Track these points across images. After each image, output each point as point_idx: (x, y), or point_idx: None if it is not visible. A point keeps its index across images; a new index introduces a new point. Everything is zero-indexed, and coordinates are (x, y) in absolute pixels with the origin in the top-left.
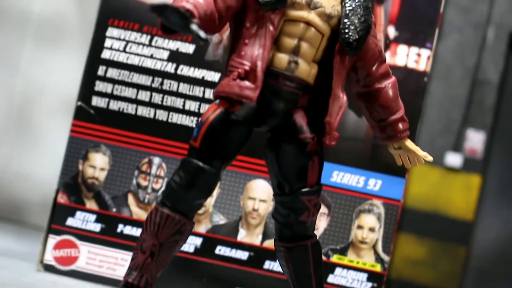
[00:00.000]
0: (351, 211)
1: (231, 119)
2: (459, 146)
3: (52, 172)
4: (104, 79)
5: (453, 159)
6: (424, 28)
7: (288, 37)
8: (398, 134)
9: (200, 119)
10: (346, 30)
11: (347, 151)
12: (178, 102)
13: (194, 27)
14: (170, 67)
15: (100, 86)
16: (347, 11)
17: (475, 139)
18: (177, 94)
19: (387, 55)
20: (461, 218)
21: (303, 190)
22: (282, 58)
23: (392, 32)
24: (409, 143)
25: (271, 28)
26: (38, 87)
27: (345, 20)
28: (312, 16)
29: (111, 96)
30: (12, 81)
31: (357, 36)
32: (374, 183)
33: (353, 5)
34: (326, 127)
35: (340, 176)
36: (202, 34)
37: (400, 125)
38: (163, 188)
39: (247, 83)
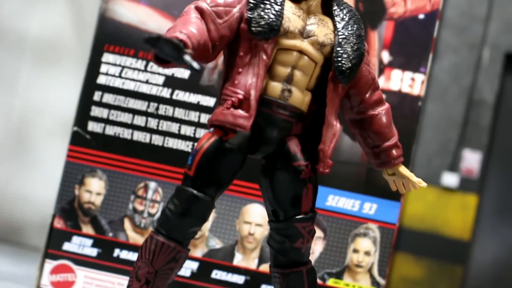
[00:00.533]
0: (347, 235)
1: (225, 147)
2: (455, 166)
3: (50, 193)
4: (100, 104)
5: (450, 179)
6: (418, 52)
7: (282, 65)
8: (391, 160)
9: (194, 148)
10: (339, 59)
11: (343, 175)
12: (173, 127)
13: (187, 58)
14: (165, 92)
15: (96, 111)
16: (340, 40)
17: (472, 159)
18: (172, 119)
19: (381, 79)
20: (458, 238)
21: (298, 217)
22: (276, 87)
23: (386, 56)
24: (403, 169)
25: (264, 57)
26: (36, 108)
27: (338, 49)
28: (305, 44)
29: (107, 121)
30: (10, 102)
31: (350, 65)
32: (370, 207)
33: (346, 34)
34: (319, 155)
35: (336, 200)
36: (195, 65)
37: (394, 152)
38: (159, 213)
39: (240, 112)
